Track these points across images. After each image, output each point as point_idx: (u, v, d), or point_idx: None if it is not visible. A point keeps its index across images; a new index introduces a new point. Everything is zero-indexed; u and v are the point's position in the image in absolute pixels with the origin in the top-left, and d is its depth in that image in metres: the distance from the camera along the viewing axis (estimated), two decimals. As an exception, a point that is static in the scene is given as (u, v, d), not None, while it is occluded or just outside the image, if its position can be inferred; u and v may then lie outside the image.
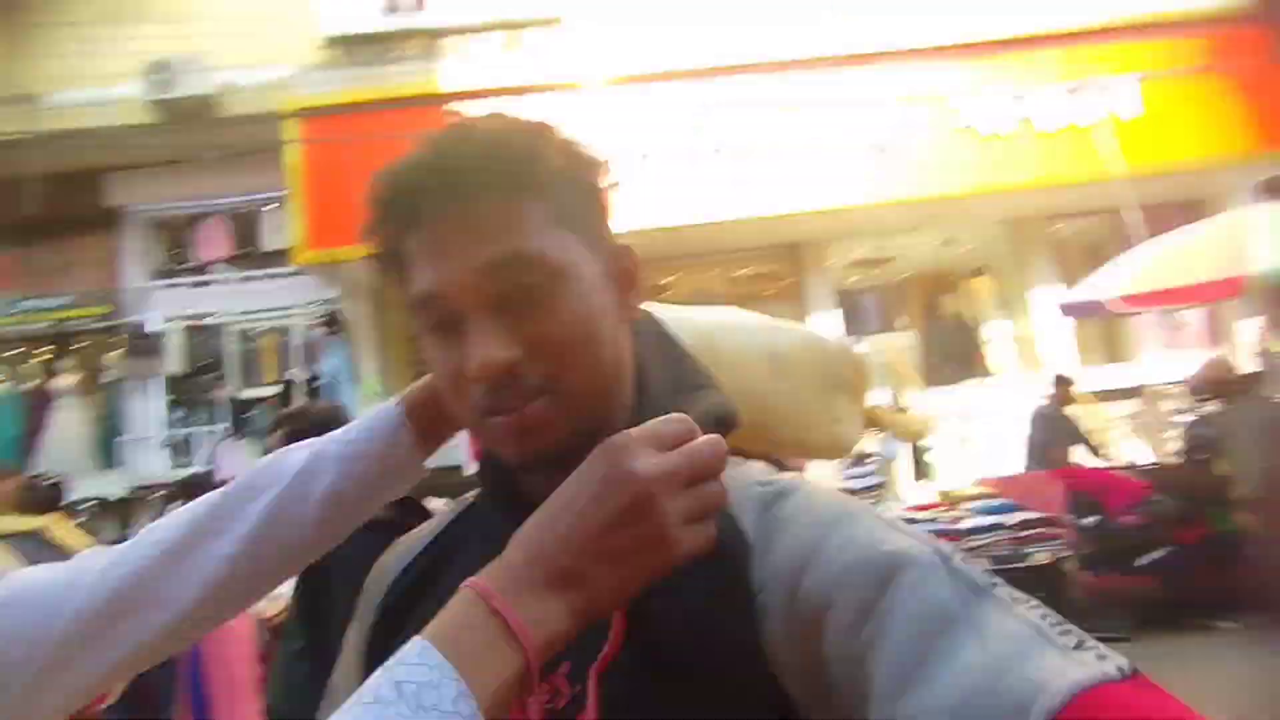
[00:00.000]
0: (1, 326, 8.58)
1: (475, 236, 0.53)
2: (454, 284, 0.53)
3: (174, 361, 8.65)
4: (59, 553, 3.07)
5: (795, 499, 0.54)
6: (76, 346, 8.95)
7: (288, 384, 8.24)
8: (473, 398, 0.54)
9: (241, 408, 8.42)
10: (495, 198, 0.53)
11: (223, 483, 0.75)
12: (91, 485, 8.15)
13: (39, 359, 8.91)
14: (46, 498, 3.39)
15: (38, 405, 8.78)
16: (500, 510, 0.61)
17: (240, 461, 7.34)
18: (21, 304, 8.60)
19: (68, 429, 8.72)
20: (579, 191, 0.57)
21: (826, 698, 0.47)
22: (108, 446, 8.66)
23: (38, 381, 8.79)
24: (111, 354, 8.75)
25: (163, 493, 7.98)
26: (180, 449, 8.63)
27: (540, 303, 0.53)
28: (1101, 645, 0.42)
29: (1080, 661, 0.40)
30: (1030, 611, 0.44)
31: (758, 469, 0.60)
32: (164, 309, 8.60)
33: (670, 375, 0.63)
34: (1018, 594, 0.45)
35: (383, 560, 0.72)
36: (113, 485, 8.28)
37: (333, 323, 8.03)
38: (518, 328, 0.53)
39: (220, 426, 8.46)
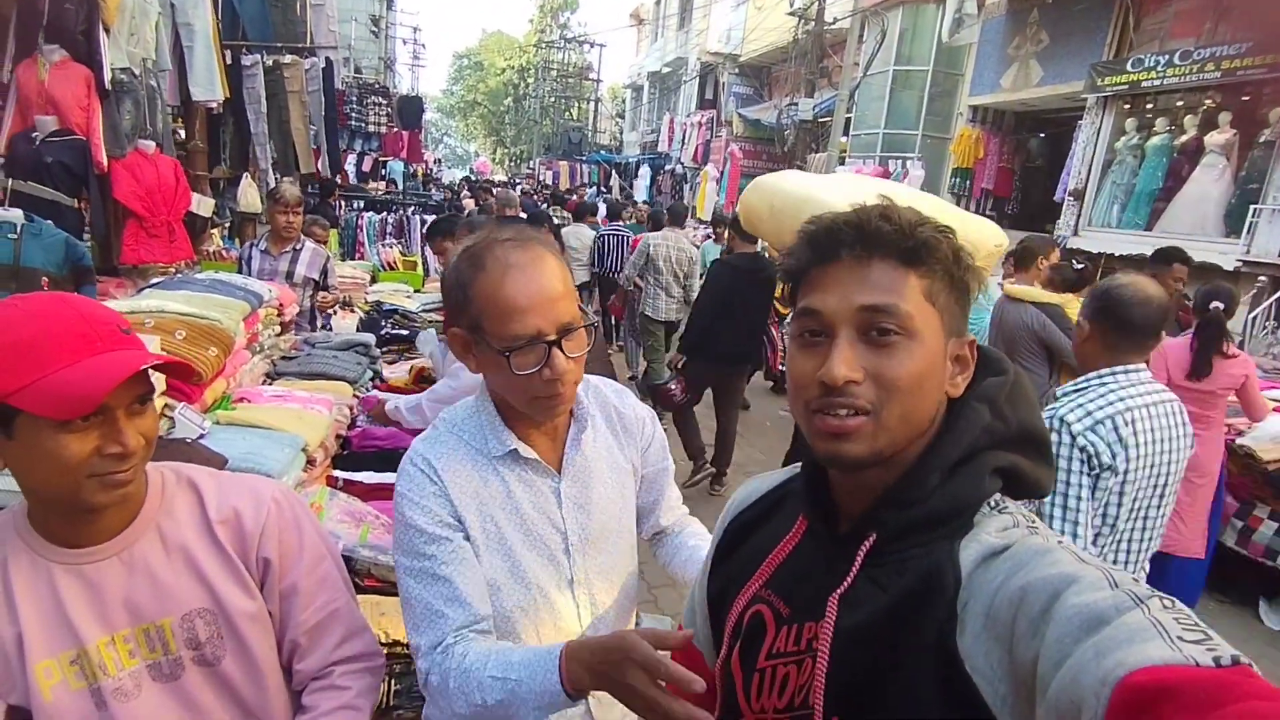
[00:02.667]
0: (1174, 76, 8.71)
1: (865, 282, 0.72)
2: (838, 310, 0.72)
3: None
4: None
5: (1015, 548, 0.66)
6: (1240, 100, 8.43)
7: None
8: (808, 395, 0.73)
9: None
10: (892, 260, 0.72)
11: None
12: (1200, 252, 8.10)
13: (1199, 112, 8.84)
14: (1071, 280, 3.79)
15: (1181, 161, 8.93)
16: (809, 484, 0.83)
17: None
18: (1196, 53, 8.43)
19: (1203, 189, 8.64)
20: (953, 285, 0.74)
21: (1009, 690, 0.59)
22: (1236, 214, 8.19)
23: (1189, 135, 8.84)
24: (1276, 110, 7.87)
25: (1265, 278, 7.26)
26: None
27: (892, 347, 0.71)
28: (1225, 646, 0.48)
29: (1178, 649, 0.47)
30: (1166, 614, 0.52)
31: (1000, 525, 0.70)
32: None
33: (962, 441, 0.74)
34: (1174, 605, 0.53)
35: (740, 490, 0.98)
36: (1223, 256, 7.95)
37: None
38: (868, 358, 0.71)
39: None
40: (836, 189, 2.90)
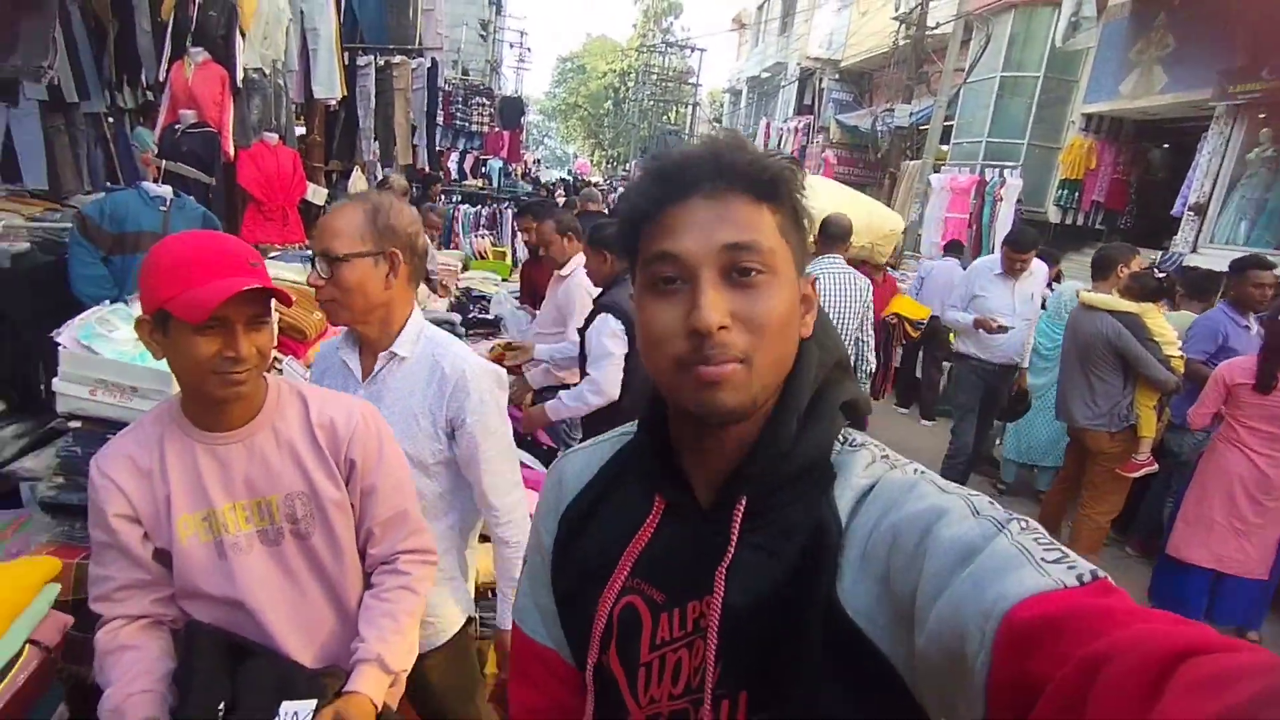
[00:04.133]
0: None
1: (724, 220, 0.66)
2: (697, 251, 0.66)
3: None
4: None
5: (880, 485, 0.66)
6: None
7: None
8: (676, 349, 0.67)
9: None
10: (748, 195, 0.68)
11: None
12: None
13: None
14: (1151, 289, 3.67)
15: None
16: (650, 460, 0.77)
17: None
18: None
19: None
20: (798, 221, 0.71)
21: (888, 620, 0.60)
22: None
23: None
24: None
25: None
26: None
27: (757, 288, 0.66)
28: (1082, 562, 0.51)
29: (1047, 573, 0.50)
30: (1026, 536, 0.54)
31: (862, 463, 0.69)
32: None
33: (809, 381, 0.73)
34: (1029, 525, 0.56)
35: (562, 470, 0.87)
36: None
37: None
38: (735, 300, 0.66)
39: None
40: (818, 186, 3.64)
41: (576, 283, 3.39)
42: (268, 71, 4.85)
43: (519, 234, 4.57)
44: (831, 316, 5.31)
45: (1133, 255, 3.81)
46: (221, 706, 1.13)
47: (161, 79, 4.61)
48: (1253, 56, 8.86)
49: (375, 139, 6.76)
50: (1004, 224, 9.79)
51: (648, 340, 0.69)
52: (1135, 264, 3.77)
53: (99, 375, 1.89)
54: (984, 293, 4.56)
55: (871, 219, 5.65)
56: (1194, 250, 9.26)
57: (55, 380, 1.91)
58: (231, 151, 4.60)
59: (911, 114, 13.35)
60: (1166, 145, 11.45)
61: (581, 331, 2.90)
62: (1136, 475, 3.74)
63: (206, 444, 1.25)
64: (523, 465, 2.81)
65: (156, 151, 4.35)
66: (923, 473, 0.66)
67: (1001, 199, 10.01)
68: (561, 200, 12.42)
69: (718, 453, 0.71)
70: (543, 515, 0.87)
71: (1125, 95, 10.50)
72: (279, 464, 1.28)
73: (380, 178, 5.77)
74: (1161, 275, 3.65)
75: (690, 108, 36.19)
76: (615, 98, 45.27)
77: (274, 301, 1.21)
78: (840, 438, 0.71)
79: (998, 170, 10.72)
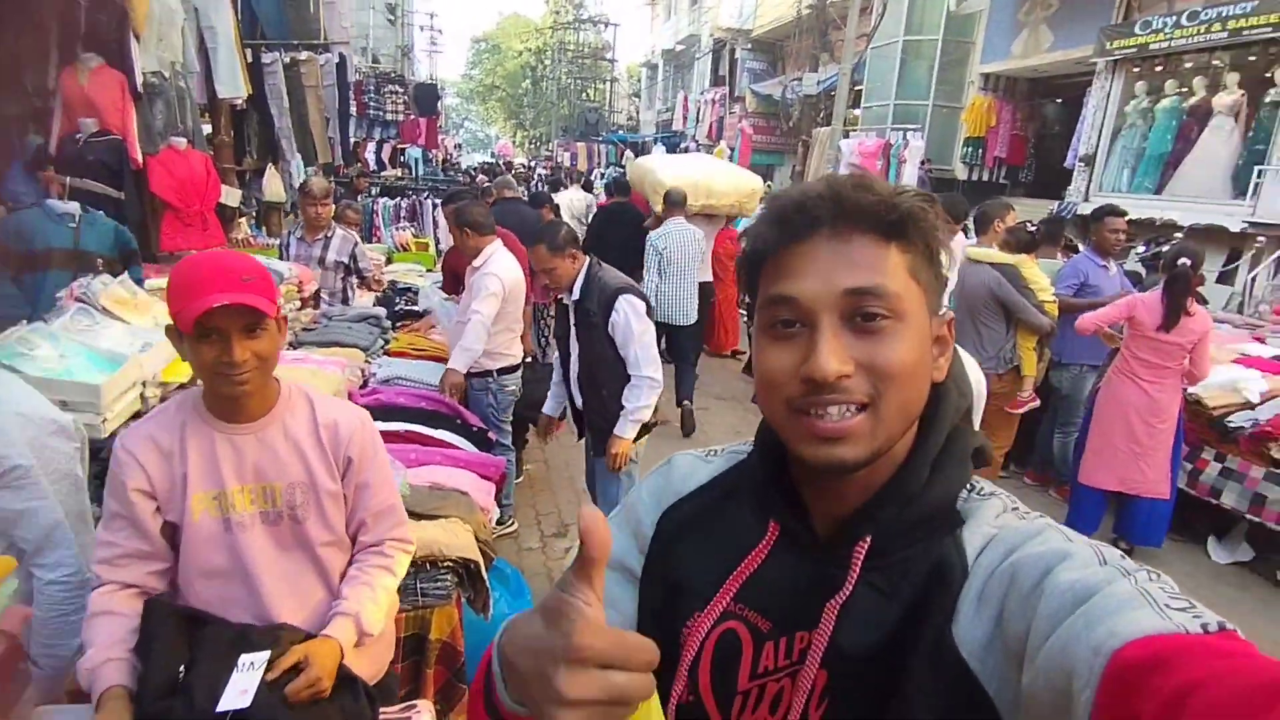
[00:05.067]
0: (1182, 37, 8.67)
1: (846, 262, 0.64)
2: (817, 296, 0.63)
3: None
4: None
5: (1005, 531, 0.64)
6: (1248, 60, 8.40)
7: None
8: (789, 391, 0.64)
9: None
10: (873, 234, 0.65)
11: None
12: (1207, 214, 8.14)
13: (1208, 73, 8.80)
14: (1025, 241, 4.02)
15: (1190, 123, 8.91)
16: (767, 485, 0.74)
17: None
18: (1204, 13, 8.38)
19: (1211, 151, 8.63)
20: (932, 259, 0.67)
21: (998, 661, 0.58)
22: (1244, 175, 8.19)
23: (1199, 98, 8.81)
24: (1282, 68, 7.84)
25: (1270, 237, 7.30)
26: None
27: (881, 333, 0.63)
28: (1210, 615, 0.48)
29: (1168, 618, 0.47)
30: (1153, 585, 0.51)
31: (993, 512, 0.67)
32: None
33: (945, 426, 0.71)
34: (1159, 577, 0.53)
35: (674, 463, 0.84)
36: (1229, 218, 7.97)
37: None
38: (857, 348, 0.63)
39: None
40: (670, 166, 4.30)
41: (487, 273, 3.52)
42: (167, 74, 4.75)
43: (441, 224, 4.63)
44: (679, 264, 5.60)
45: (1008, 210, 4.18)
46: (181, 668, 1.29)
47: (51, 86, 4.47)
48: (1126, 13, 9.48)
49: (291, 138, 6.66)
50: (908, 184, 10.27)
51: (760, 381, 0.68)
52: (1010, 218, 4.14)
53: (30, 392, 1.96)
54: None
55: (736, 182, 6.60)
56: (1086, 199, 9.92)
57: (-15, 400, 1.96)
58: (139, 159, 4.51)
59: (819, 82, 13.74)
60: (1059, 100, 12.13)
61: (601, 322, 2.91)
62: (1022, 411, 4.14)
63: (224, 433, 1.42)
64: (451, 446, 2.97)
65: (56, 160, 4.25)
66: (1049, 523, 0.64)
67: (905, 160, 10.47)
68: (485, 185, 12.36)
69: (840, 493, 0.69)
70: (644, 504, 0.82)
71: (1017, 55, 11.08)
72: (286, 455, 1.45)
73: (300, 179, 5.70)
74: (1034, 228, 4.01)
75: (608, 84, 36.03)
76: (533, 77, 44.59)
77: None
78: (969, 485, 0.70)
79: (902, 133, 11.18)
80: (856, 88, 13.48)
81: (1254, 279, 7.30)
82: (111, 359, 2.19)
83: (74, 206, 3.01)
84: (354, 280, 4.38)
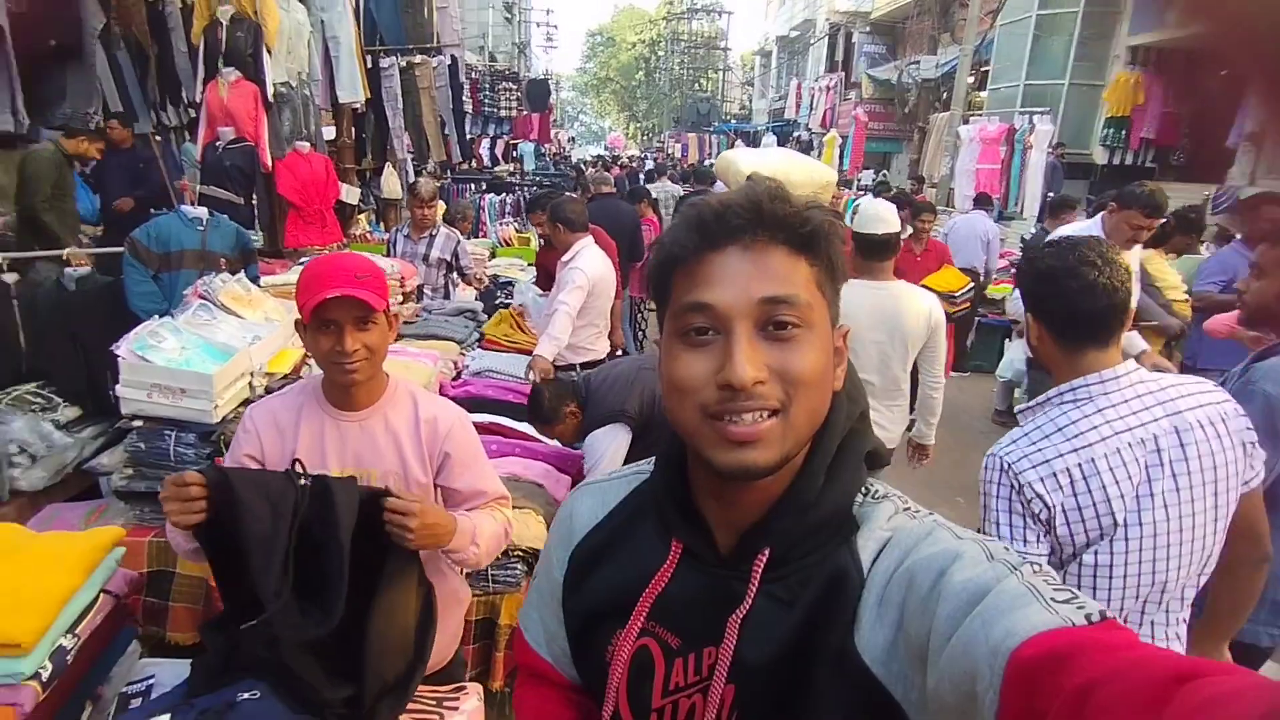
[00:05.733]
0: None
1: (763, 272, 0.65)
2: (733, 304, 0.65)
3: None
4: None
5: (898, 534, 0.66)
6: None
7: None
8: (703, 398, 0.65)
9: None
10: (786, 247, 0.66)
11: None
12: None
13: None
14: (1153, 235, 3.64)
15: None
16: (668, 504, 0.76)
17: None
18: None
19: None
20: (834, 273, 0.70)
21: (901, 665, 0.60)
22: None
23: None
24: None
25: None
26: None
27: (792, 341, 0.65)
28: (1090, 602, 0.51)
29: (1055, 611, 0.50)
30: (1037, 578, 0.54)
31: (885, 515, 0.69)
32: None
33: (837, 433, 0.73)
34: (1041, 569, 0.57)
35: (574, 507, 0.87)
36: None
37: None
38: (770, 355, 0.65)
39: None
40: (752, 158, 3.66)
41: (574, 266, 3.59)
42: (294, 84, 5.15)
43: (534, 226, 4.78)
44: None
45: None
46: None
47: (198, 99, 4.95)
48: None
49: (406, 137, 7.06)
50: (1035, 172, 9.55)
51: (672, 387, 0.67)
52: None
53: (153, 380, 2.19)
54: None
55: (812, 173, 6.43)
56: (1251, 182, 8.87)
57: (118, 387, 2.21)
58: (269, 163, 4.92)
59: (938, 65, 13.00)
60: (1224, 73, 10.88)
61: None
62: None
63: (333, 418, 1.55)
64: (532, 439, 3.05)
65: (200, 166, 4.72)
66: (938, 521, 0.67)
67: (1031, 146, 9.73)
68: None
69: (741, 503, 0.70)
70: (553, 545, 0.87)
71: (1174, 22, 10.01)
72: (384, 445, 1.55)
73: (413, 178, 6.05)
74: (1164, 221, 3.62)
75: (721, 73, 35.67)
76: (646, 68, 44.88)
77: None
78: (863, 489, 0.71)
79: (1028, 117, 10.40)
80: (982, 69, 12.67)
81: None
82: (224, 351, 2.41)
83: (203, 211, 3.33)
84: (455, 277, 4.59)
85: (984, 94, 12.92)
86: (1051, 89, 11.54)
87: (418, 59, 6.82)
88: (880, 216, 2.76)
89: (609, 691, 0.75)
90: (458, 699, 1.58)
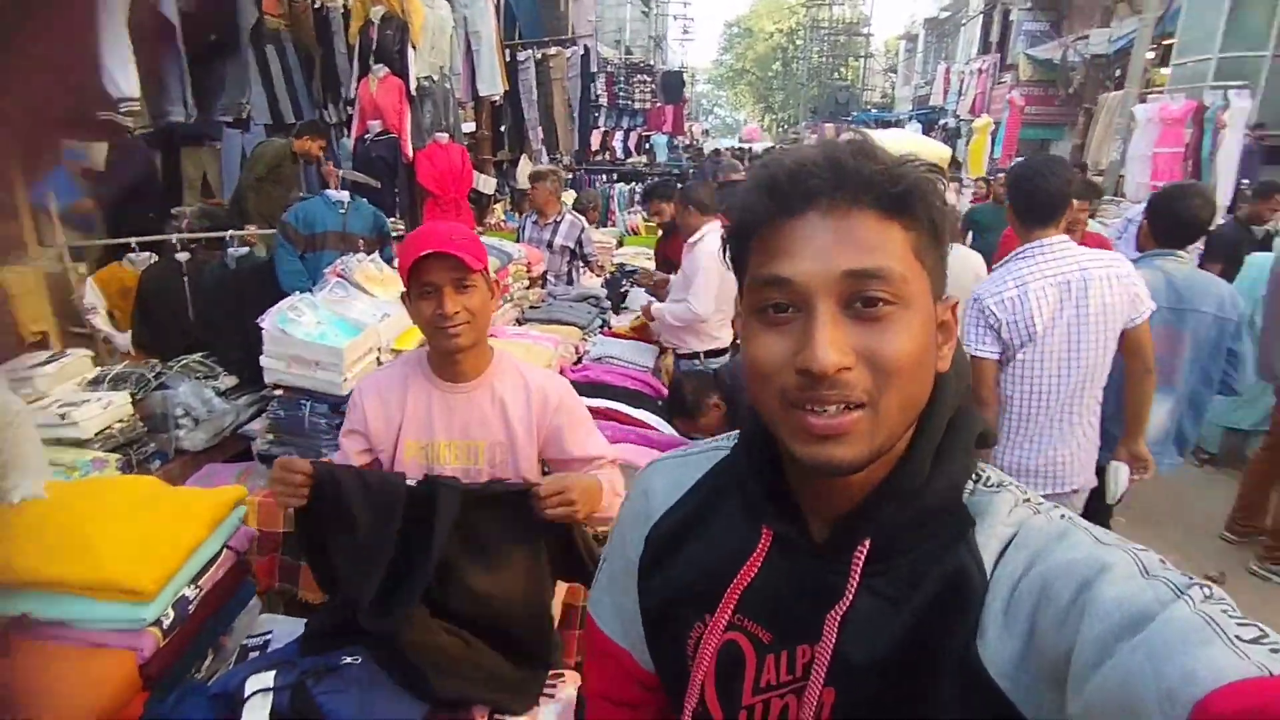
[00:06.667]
0: None
1: (847, 240, 0.57)
2: (813, 278, 0.57)
3: None
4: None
5: (1024, 531, 0.59)
6: None
7: None
8: (782, 382, 0.58)
9: None
10: (875, 210, 0.57)
11: None
12: None
13: None
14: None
15: None
16: (758, 486, 0.68)
17: None
18: None
19: None
20: (937, 238, 0.60)
21: (1032, 680, 0.53)
22: None
23: None
24: None
25: None
26: None
27: (884, 321, 0.57)
28: None
29: (1245, 655, 0.42)
30: (1213, 606, 0.46)
31: (1005, 507, 0.61)
32: None
33: (945, 415, 0.65)
34: (1213, 593, 0.48)
35: (649, 482, 0.79)
36: None
37: None
38: (858, 337, 0.57)
39: None
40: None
41: (703, 249, 3.50)
42: (436, 78, 5.39)
43: (652, 216, 4.76)
44: None
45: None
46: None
47: (351, 95, 5.29)
48: None
49: (539, 128, 7.25)
50: (1229, 156, 8.34)
51: (753, 371, 0.61)
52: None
53: (291, 352, 2.32)
54: None
55: (927, 151, 6.72)
56: None
57: (262, 358, 2.36)
58: (410, 154, 5.18)
59: (1112, 39, 11.72)
60: None
61: None
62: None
63: (440, 390, 1.56)
64: (649, 426, 3.00)
65: (353, 158, 5.05)
66: (1072, 519, 0.59)
67: (1225, 125, 8.52)
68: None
69: (837, 488, 0.63)
70: (628, 523, 0.80)
71: None
72: (492, 416, 1.56)
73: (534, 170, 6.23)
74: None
75: (862, 60, 34.22)
76: (784, 58, 43.88)
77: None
78: (974, 475, 0.64)
79: (1222, 93, 9.14)
80: (1165, 42, 11.30)
81: None
82: (356, 326, 2.51)
83: (344, 195, 3.54)
84: (579, 264, 4.63)
85: (1166, 70, 11.52)
86: (1250, 62, 10.08)
87: (552, 50, 6.96)
88: None
89: (692, 686, 0.69)
90: (555, 686, 1.54)
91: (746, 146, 21.48)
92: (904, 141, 6.18)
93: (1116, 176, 10.08)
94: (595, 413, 3.00)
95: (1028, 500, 0.61)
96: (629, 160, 12.44)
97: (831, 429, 0.56)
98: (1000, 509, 0.60)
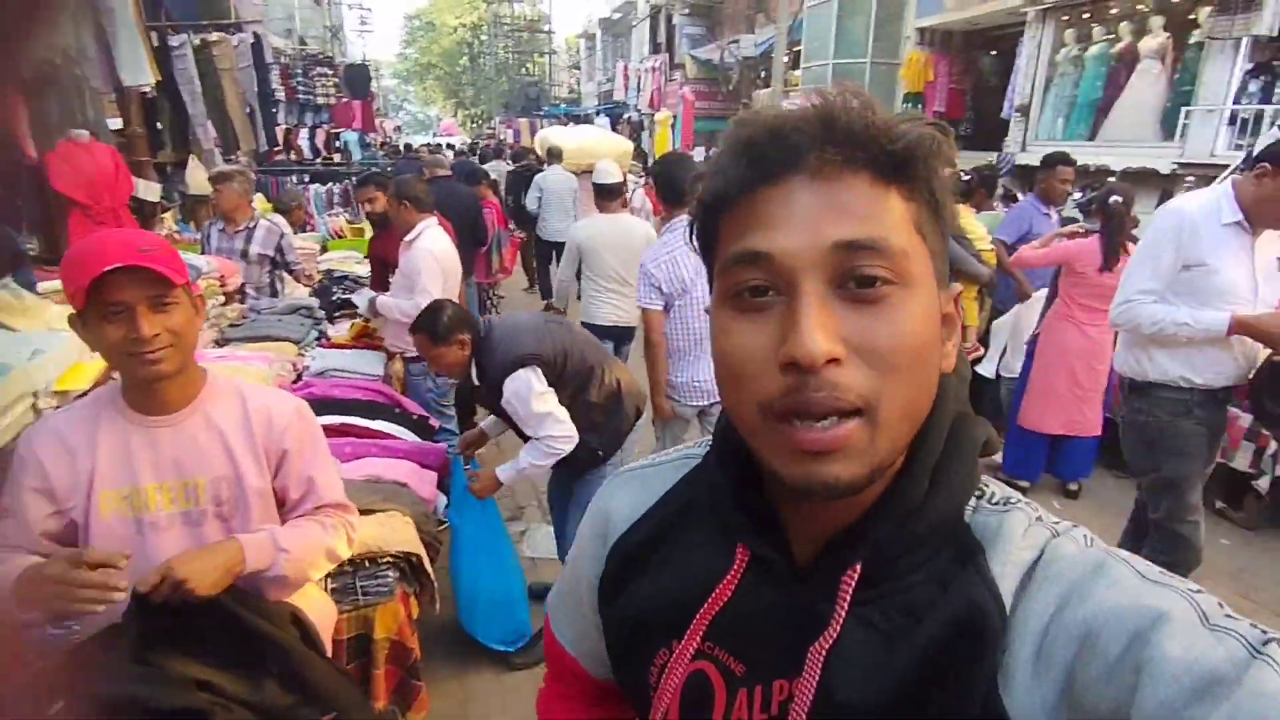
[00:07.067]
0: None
1: (835, 207, 0.48)
2: (798, 252, 0.48)
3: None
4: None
5: (1050, 559, 0.50)
6: (1171, 3, 8.55)
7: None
8: (764, 390, 0.49)
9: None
10: (870, 174, 0.49)
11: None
12: (1139, 158, 8.32)
13: (1134, 18, 8.94)
14: (959, 191, 4.02)
15: (1119, 69, 9.07)
16: (734, 501, 0.60)
17: None
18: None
19: (1140, 96, 8.80)
20: (939, 210, 0.51)
21: None
22: (1172, 118, 8.37)
23: (1125, 43, 8.96)
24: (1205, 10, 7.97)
25: (1191, 177, 7.49)
26: (1247, 127, 7.55)
27: (882, 304, 0.48)
28: None
29: None
30: None
31: (1019, 528, 0.53)
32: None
33: (945, 423, 0.56)
34: None
35: (610, 501, 0.71)
36: (1159, 160, 8.16)
37: None
38: (851, 323, 0.48)
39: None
40: (562, 134, 4.76)
41: (420, 245, 3.41)
42: (58, 60, 4.43)
43: (362, 205, 4.47)
44: (557, 194, 6.90)
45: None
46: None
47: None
48: (1054, -40, 9.58)
49: (209, 125, 6.34)
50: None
51: (725, 371, 0.52)
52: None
53: None
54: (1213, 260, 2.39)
55: (610, 145, 8.27)
56: (1023, 149, 10.07)
57: None
58: (33, 154, 4.22)
59: (757, 44, 13.63)
60: (994, 53, 12.25)
61: (494, 406, 2.63)
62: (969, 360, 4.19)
63: (139, 425, 1.32)
64: (389, 436, 2.86)
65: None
66: (1107, 551, 0.50)
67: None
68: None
69: (825, 508, 0.54)
70: (587, 537, 0.72)
71: (950, 7, 11.13)
72: (208, 447, 1.35)
73: (215, 167, 5.45)
74: (967, 178, 4.01)
75: (547, 57, 35.34)
76: (470, 53, 43.48)
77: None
78: (978, 490, 0.56)
79: (842, 92, 11.15)
80: (796, 48, 13.40)
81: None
82: (-1, 370, 2.02)
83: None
84: (282, 273, 4.19)
85: (798, 72, 13.71)
86: (856, 67, 12.44)
87: (214, 37, 6.11)
88: (609, 171, 4.11)
89: (653, 717, 0.61)
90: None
91: (444, 142, 21.00)
92: (602, 136, 6.67)
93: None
94: (329, 430, 2.77)
95: (1040, 519, 0.54)
96: (318, 160, 11.46)
97: (825, 444, 0.47)
98: (1014, 531, 0.52)
